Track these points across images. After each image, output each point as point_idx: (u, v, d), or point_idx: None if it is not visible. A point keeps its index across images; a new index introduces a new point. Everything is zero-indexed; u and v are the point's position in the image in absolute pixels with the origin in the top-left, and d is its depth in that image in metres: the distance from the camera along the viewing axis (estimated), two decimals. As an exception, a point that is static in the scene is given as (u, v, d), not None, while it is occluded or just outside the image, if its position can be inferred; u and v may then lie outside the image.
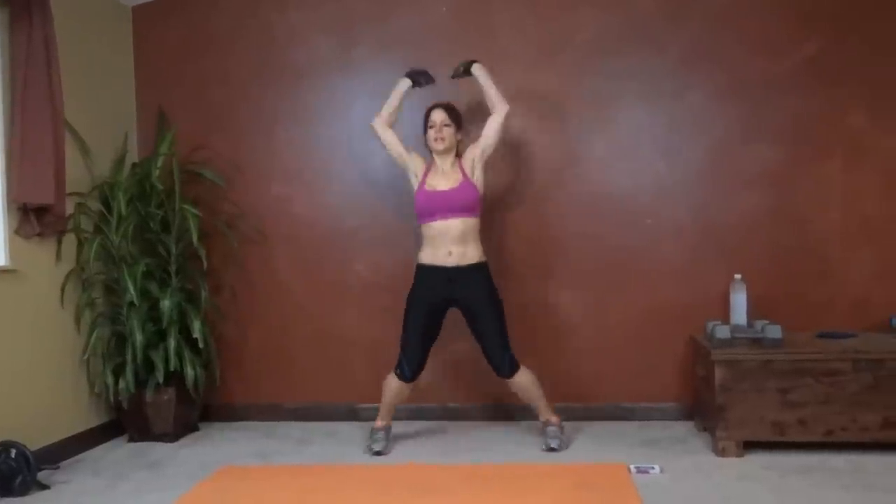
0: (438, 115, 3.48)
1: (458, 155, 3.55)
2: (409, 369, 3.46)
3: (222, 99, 4.10)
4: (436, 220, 3.41)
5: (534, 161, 3.92)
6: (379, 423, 3.58)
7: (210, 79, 4.11)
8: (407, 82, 3.56)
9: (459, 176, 3.46)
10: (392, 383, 3.52)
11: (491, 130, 3.48)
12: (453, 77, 3.61)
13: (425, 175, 3.49)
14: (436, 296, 3.45)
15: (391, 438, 3.59)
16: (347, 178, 4.04)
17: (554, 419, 3.53)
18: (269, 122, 4.08)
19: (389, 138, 3.54)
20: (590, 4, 3.89)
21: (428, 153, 3.56)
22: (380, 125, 3.55)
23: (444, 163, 3.50)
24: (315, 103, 4.06)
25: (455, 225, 3.40)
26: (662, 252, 3.87)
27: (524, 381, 3.46)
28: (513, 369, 3.43)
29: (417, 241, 3.55)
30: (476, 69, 3.52)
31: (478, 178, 3.48)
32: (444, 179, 3.46)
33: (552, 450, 3.42)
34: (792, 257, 3.80)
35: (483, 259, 3.48)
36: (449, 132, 3.47)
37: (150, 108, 4.12)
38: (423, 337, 3.47)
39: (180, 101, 4.11)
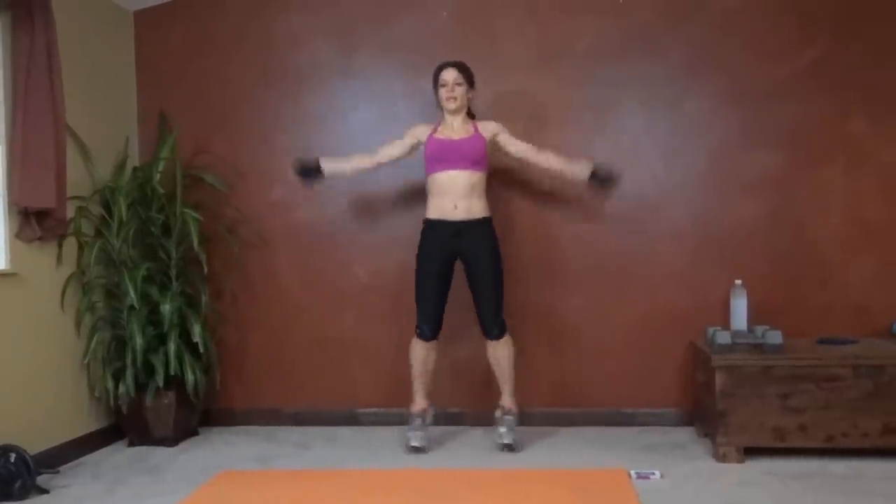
0: (450, 74, 3.48)
1: (471, 115, 3.57)
2: (428, 327, 3.48)
3: (224, 103, 4.11)
4: (443, 169, 3.43)
5: (534, 167, 3.91)
6: (416, 406, 3.55)
7: (211, 83, 4.12)
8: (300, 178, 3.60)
9: (471, 130, 3.49)
10: (417, 349, 3.52)
11: (515, 147, 3.52)
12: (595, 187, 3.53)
13: (434, 130, 3.51)
14: (443, 250, 3.47)
15: (432, 424, 3.57)
16: (348, 182, 4.03)
17: (514, 408, 3.53)
18: (271, 126, 4.09)
19: (395, 151, 3.56)
20: (590, 11, 3.89)
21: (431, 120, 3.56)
22: (377, 158, 3.58)
23: (455, 119, 3.51)
24: (316, 108, 4.07)
25: (462, 177, 3.42)
26: (663, 257, 3.87)
27: (506, 351, 3.49)
28: (501, 332, 3.46)
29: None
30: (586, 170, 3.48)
31: (488, 139, 3.49)
32: (453, 131, 3.49)
33: (508, 447, 3.43)
34: (792, 263, 3.80)
35: (488, 215, 3.50)
36: (461, 91, 3.48)
37: (152, 113, 4.12)
38: (437, 293, 3.49)
39: (182, 106, 4.11)
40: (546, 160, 3.52)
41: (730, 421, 3.23)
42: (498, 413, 3.56)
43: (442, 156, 3.43)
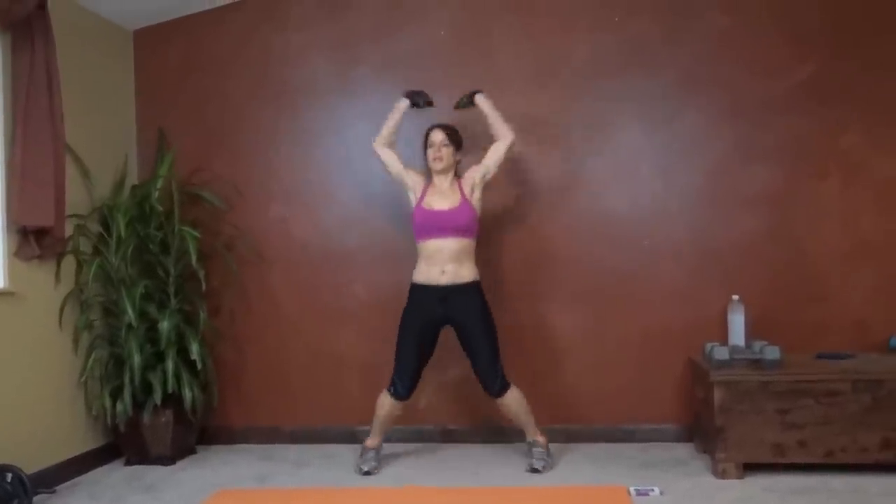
0: (437, 136, 3.52)
1: (458, 176, 3.58)
2: (403, 387, 3.47)
3: (222, 121, 4.13)
4: (432, 238, 3.44)
5: (532, 182, 3.94)
6: (370, 442, 3.59)
7: (210, 101, 4.14)
8: (405, 103, 3.59)
9: (458, 196, 3.49)
10: (385, 402, 3.52)
11: (494, 157, 3.52)
12: (457, 108, 3.63)
13: (423, 193, 3.52)
14: (429, 314, 3.46)
15: (381, 459, 3.59)
16: (346, 199, 4.05)
17: (541, 440, 3.52)
18: (269, 143, 4.11)
19: (389, 158, 3.58)
20: (586, 28, 3.93)
21: (427, 172, 3.59)
22: (380, 145, 3.58)
23: (443, 182, 3.53)
24: (314, 125, 4.09)
25: (450, 245, 3.42)
26: (660, 273, 3.87)
27: (513, 400, 3.47)
28: (503, 388, 3.44)
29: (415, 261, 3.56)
30: (479, 99, 3.56)
31: (476, 199, 3.52)
32: (442, 199, 3.49)
33: (535, 471, 3.42)
34: (790, 278, 3.80)
35: (477, 279, 3.50)
36: (447, 152, 3.51)
37: (151, 131, 4.14)
38: (416, 356, 3.48)
39: (180, 124, 4.14)
40: (496, 133, 3.53)
41: (729, 437, 3.22)
42: (527, 446, 3.55)
43: (430, 226, 3.44)
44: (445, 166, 3.51)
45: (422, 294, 3.47)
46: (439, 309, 3.44)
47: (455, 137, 3.55)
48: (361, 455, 3.56)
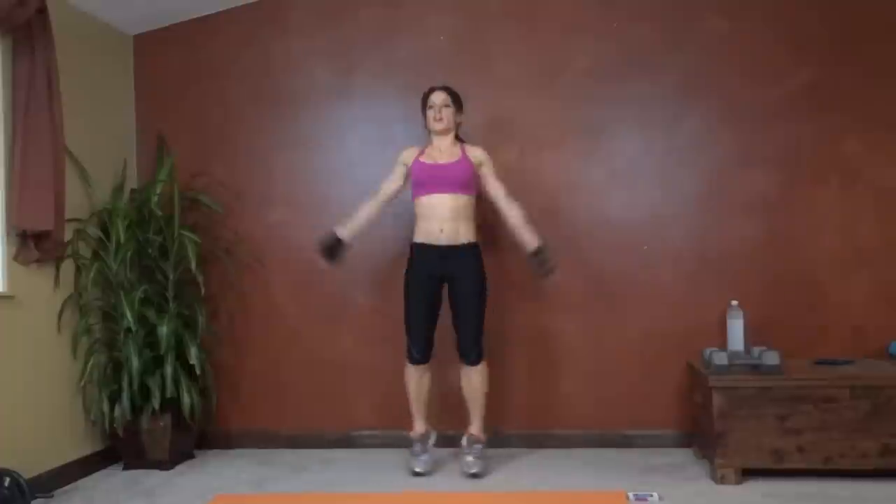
0: (438, 97, 3.51)
1: (459, 139, 3.57)
2: (417, 350, 3.48)
3: (222, 126, 4.14)
4: (429, 193, 3.43)
5: (530, 187, 3.94)
6: (415, 429, 3.56)
7: (210, 106, 4.15)
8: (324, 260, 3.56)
9: (458, 153, 3.49)
10: (410, 372, 3.53)
11: (490, 187, 3.51)
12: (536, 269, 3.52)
13: (421, 153, 3.52)
14: (430, 273, 3.47)
15: (434, 448, 3.56)
16: (345, 204, 4.03)
17: (482, 437, 3.52)
18: (268, 148, 4.11)
19: (392, 187, 3.56)
20: (585, 33, 3.94)
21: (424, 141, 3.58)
22: (381, 199, 3.58)
23: (442, 142, 3.52)
24: (314, 130, 4.09)
25: (447, 200, 3.42)
26: (659, 278, 3.88)
27: (481, 378, 3.48)
28: (479, 358, 3.45)
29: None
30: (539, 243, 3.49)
31: (476, 164, 3.49)
32: (440, 155, 3.49)
33: (475, 476, 3.40)
34: (788, 283, 3.81)
35: (475, 240, 3.49)
36: (448, 112, 3.50)
37: (150, 135, 4.15)
38: (425, 317, 3.49)
39: (180, 128, 4.14)
40: (509, 213, 3.49)
41: (728, 442, 3.22)
42: (464, 441, 3.53)
43: (427, 180, 3.43)
44: (446, 126, 3.50)
45: (422, 254, 3.48)
46: (439, 267, 3.45)
47: (456, 98, 3.55)
48: (412, 450, 3.52)
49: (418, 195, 3.48)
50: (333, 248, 3.56)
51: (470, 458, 3.45)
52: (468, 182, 3.46)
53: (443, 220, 3.42)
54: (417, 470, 3.46)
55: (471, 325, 3.45)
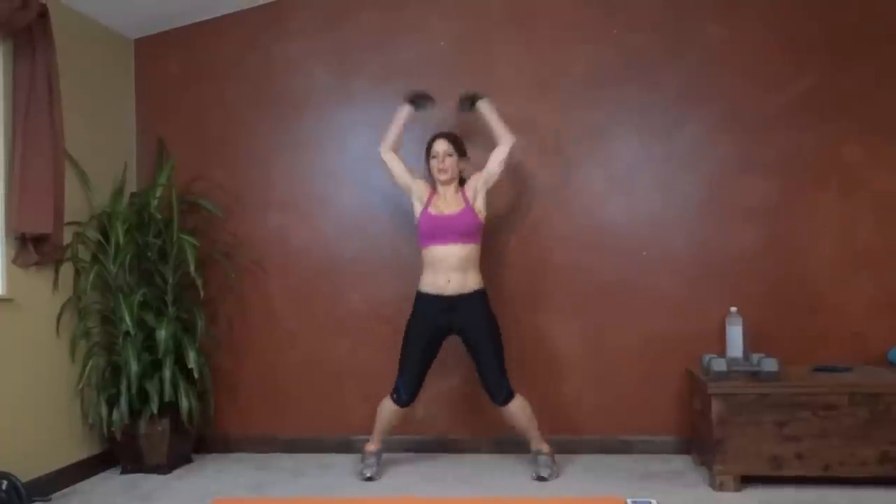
0: (441, 146, 3.53)
1: (462, 182, 3.60)
2: (406, 393, 3.49)
3: (222, 129, 4.14)
4: (437, 244, 3.45)
5: (530, 193, 3.94)
6: (371, 446, 3.60)
7: (210, 110, 4.15)
8: (408, 107, 3.59)
9: (462, 202, 3.51)
10: (387, 407, 3.54)
11: (495, 162, 3.53)
12: (460, 111, 3.65)
13: (429, 200, 3.53)
14: (435, 323, 3.48)
15: (382, 464, 3.59)
16: (345, 208, 4.06)
17: (546, 449, 3.53)
18: (268, 152, 4.12)
19: (396, 166, 3.58)
20: (586, 39, 3.94)
21: (431, 180, 3.61)
22: (386, 152, 3.59)
23: (447, 190, 3.56)
24: (313, 134, 4.09)
25: (455, 251, 3.44)
26: (658, 284, 3.87)
27: (518, 409, 3.47)
28: (508, 397, 3.44)
29: (418, 270, 3.56)
30: (482, 105, 3.57)
31: (479, 206, 3.53)
32: (446, 205, 3.51)
33: (542, 479, 3.43)
34: (788, 290, 3.80)
35: (482, 287, 3.51)
36: (451, 162, 3.53)
37: (150, 139, 4.15)
38: (420, 363, 3.50)
39: (180, 132, 4.14)
40: (499, 138, 3.54)
41: (726, 449, 3.22)
42: (532, 454, 3.56)
43: (434, 231, 3.46)
44: (451, 176, 3.54)
45: (428, 303, 3.48)
46: (445, 318, 3.46)
47: (458, 146, 3.57)
48: (363, 460, 3.57)
49: (426, 245, 3.50)
50: (424, 99, 3.61)
51: (541, 467, 3.47)
52: (474, 232, 3.50)
53: (450, 270, 3.44)
54: (368, 474, 3.50)
55: (493, 369, 3.44)
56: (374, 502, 3.23)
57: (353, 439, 3.97)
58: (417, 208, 3.56)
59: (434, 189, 3.58)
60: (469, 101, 3.60)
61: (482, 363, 3.46)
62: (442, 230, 3.45)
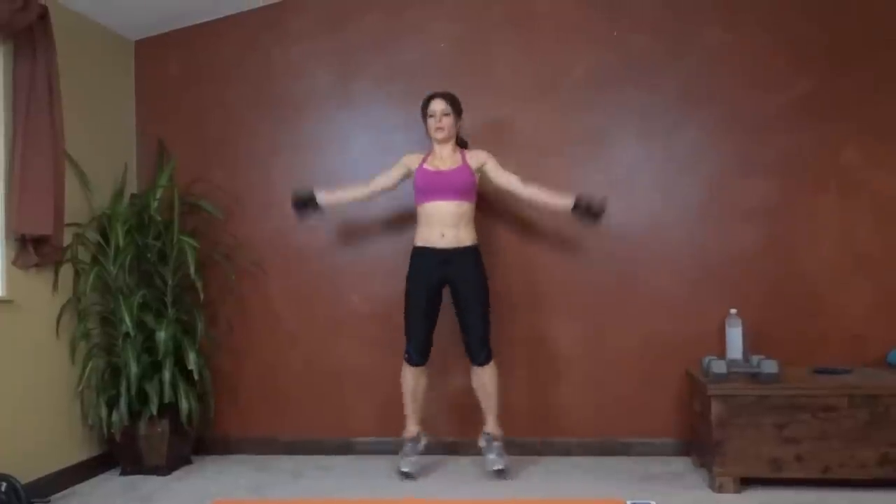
0: (438, 105, 3.54)
1: (460, 144, 3.62)
2: (416, 351, 3.50)
3: (222, 131, 4.14)
4: (432, 199, 3.47)
5: (520, 199, 3.93)
6: (408, 430, 3.59)
7: (210, 111, 4.15)
8: (295, 212, 3.68)
9: (459, 161, 3.53)
10: (406, 374, 3.56)
11: (504, 181, 3.55)
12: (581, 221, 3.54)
13: (424, 160, 3.56)
14: (431, 276, 3.50)
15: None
16: (345, 210, 4.05)
17: (499, 433, 3.54)
18: (268, 153, 4.12)
19: (386, 180, 3.62)
20: (585, 41, 3.95)
21: (423, 147, 3.62)
22: (368, 189, 3.64)
23: (444, 149, 3.56)
24: (314, 135, 4.10)
25: (449, 207, 3.46)
26: (658, 286, 3.87)
27: (492, 377, 3.50)
28: (488, 358, 3.48)
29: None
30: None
31: (475, 172, 3.54)
32: (442, 162, 3.53)
33: (500, 472, 3.43)
34: (787, 292, 3.81)
35: (476, 243, 3.54)
36: (448, 121, 3.53)
37: (151, 140, 4.15)
38: (425, 321, 3.52)
39: (180, 134, 4.15)
40: (532, 194, 3.54)
41: (726, 451, 3.22)
42: (483, 441, 3.57)
43: (430, 187, 3.48)
44: (447, 135, 3.54)
45: (422, 258, 3.51)
46: (440, 272, 3.48)
47: (455, 105, 3.57)
48: (402, 451, 3.56)
49: (421, 202, 3.52)
50: (306, 204, 3.64)
51: (492, 456, 3.49)
52: (469, 189, 3.51)
53: (444, 225, 3.46)
54: (405, 470, 3.48)
55: (478, 326, 3.48)
56: (373, 504, 3.24)
57: (353, 441, 3.97)
58: (415, 167, 3.57)
59: (429, 151, 3.59)
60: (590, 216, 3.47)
61: (468, 322, 3.48)
62: (436, 185, 3.46)
